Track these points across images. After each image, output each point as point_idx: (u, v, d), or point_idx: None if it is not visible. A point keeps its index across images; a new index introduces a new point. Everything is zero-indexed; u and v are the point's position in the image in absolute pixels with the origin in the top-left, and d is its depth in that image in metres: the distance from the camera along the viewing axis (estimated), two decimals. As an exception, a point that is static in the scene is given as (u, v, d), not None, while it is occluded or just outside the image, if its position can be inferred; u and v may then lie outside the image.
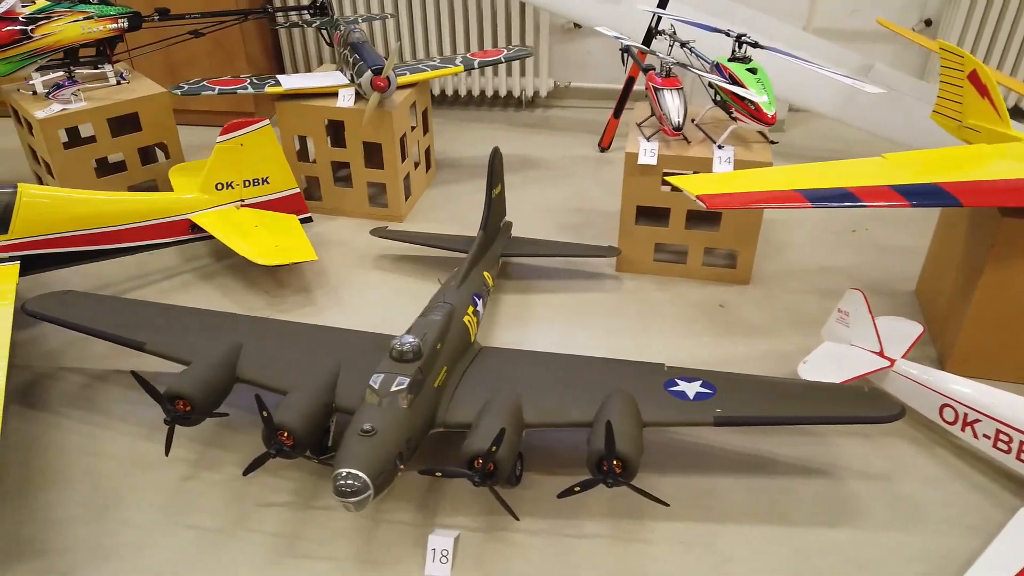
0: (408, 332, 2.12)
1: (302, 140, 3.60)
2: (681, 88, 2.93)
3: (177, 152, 3.64)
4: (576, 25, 4.75)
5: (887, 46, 4.66)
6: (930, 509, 2.13)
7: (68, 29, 3.33)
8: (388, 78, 3.18)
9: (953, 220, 2.74)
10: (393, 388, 1.93)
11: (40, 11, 3.29)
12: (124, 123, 3.48)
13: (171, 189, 3.61)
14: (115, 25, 3.45)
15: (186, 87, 3.32)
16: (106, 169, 3.57)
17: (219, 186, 3.10)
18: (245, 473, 2.01)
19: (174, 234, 3.05)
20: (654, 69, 3.15)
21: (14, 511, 2.10)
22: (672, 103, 2.88)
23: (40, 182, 3.68)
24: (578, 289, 3.12)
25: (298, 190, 3.26)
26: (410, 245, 3.32)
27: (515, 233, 3.26)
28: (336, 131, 3.52)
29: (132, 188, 3.57)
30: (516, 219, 3.33)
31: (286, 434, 1.93)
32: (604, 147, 4.35)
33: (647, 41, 3.81)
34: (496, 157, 2.97)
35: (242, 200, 3.17)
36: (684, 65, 3.00)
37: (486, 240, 2.90)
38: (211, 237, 3.11)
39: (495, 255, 2.96)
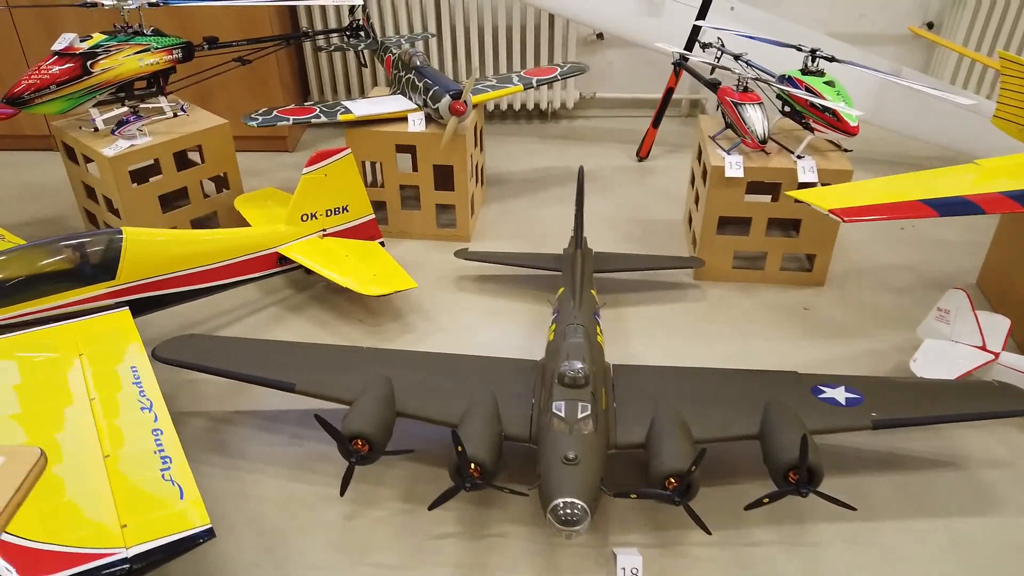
0: (569, 358, 2.17)
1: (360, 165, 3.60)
2: (762, 102, 3.04)
3: (237, 183, 3.59)
4: (599, 36, 4.85)
5: (891, 48, 4.91)
6: (1058, 490, 2.30)
7: (127, 63, 3.25)
8: (466, 102, 3.21)
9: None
10: (580, 415, 1.98)
11: (97, 46, 3.20)
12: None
13: (233, 222, 3.59)
14: (170, 57, 3.38)
15: (260, 119, 3.28)
16: (165, 204, 3.49)
17: (304, 217, 3.08)
18: (431, 508, 2.03)
19: (264, 268, 3.02)
20: (719, 83, 3.26)
21: (193, 564, 2.07)
22: (756, 117, 3.00)
23: (92, 219, 3.58)
24: (664, 300, 3.21)
25: (373, 216, 3.27)
26: (485, 265, 3.37)
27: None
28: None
29: (194, 222, 3.51)
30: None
31: (474, 466, 1.96)
32: (642, 156, 4.46)
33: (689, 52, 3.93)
34: (582, 175, 3.04)
35: (324, 229, 3.15)
36: (764, 80, 3.12)
37: (583, 257, 2.96)
38: (295, 269, 3.11)
39: (590, 272, 3.02)
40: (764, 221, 3.14)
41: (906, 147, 4.52)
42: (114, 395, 2.10)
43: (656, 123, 4.34)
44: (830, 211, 2.29)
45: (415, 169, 3.57)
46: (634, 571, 2.01)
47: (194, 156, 3.58)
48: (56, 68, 3.11)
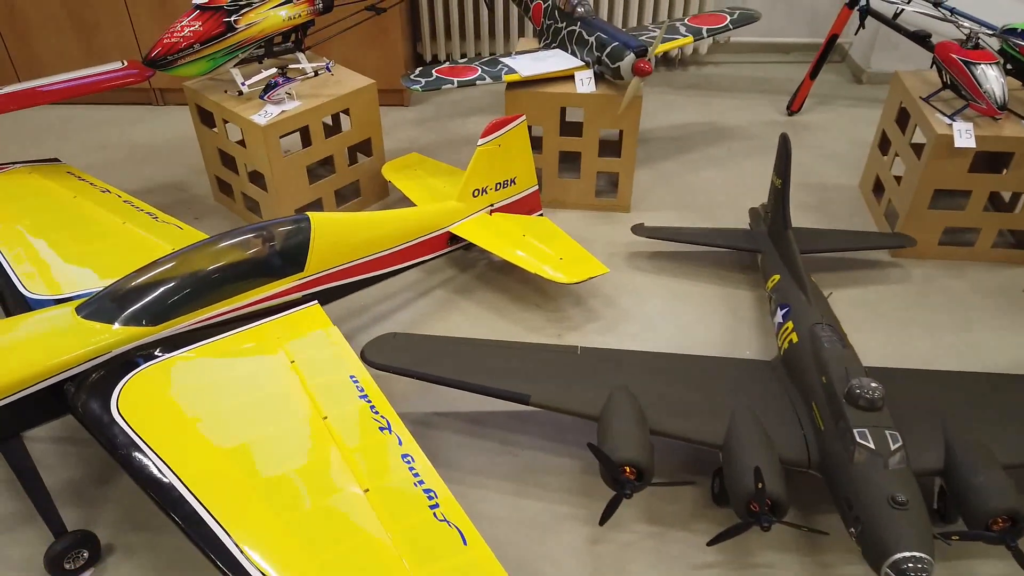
0: (851, 374, 1.92)
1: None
2: (999, 61, 2.68)
3: (380, 149, 3.30)
4: (737, -26, 4.41)
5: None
6: None
7: (271, 16, 2.94)
8: (651, 60, 2.87)
9: None
10: (892, 446, 1.74)
11: (242, -2, 2.88)
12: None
13: (376, 191, 3.35)
14: (312, 8, 3.06)
15: (423, 82, 2.96)
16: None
17: (476, 192, 2.81)
18: (711, 544, 1.82)
19: (437, 249, 2.76)
20: (930, 36, 2.90)
21: (442, 600, 1.89)
22: (993, 77, 2.64)
23: (225, 188, 3.32)
24: (865, 281, 2.93)
25: (537, 188, 2.99)
26: (655, 240, 3.07)
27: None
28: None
29: (338, 192, 3.25)
30: (743, 200, 3.09)
31: (771, 502, 1.74)
32: (794, 110, 4.09)
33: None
34: (788, 144, 2.72)
35: (492, 205, 2.88)
36: (975, 32, 2.75)
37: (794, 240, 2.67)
38: (461, 247, 2.86)
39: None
40: (985, 195, 2.82)
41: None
42: (345, 413, 1.88)
43: (814, 74, 3.95)
44: None
45: (560, 132, 3.26)
46: (938, 614, 1.81)
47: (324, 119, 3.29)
48: (199, 24, 2.81)
